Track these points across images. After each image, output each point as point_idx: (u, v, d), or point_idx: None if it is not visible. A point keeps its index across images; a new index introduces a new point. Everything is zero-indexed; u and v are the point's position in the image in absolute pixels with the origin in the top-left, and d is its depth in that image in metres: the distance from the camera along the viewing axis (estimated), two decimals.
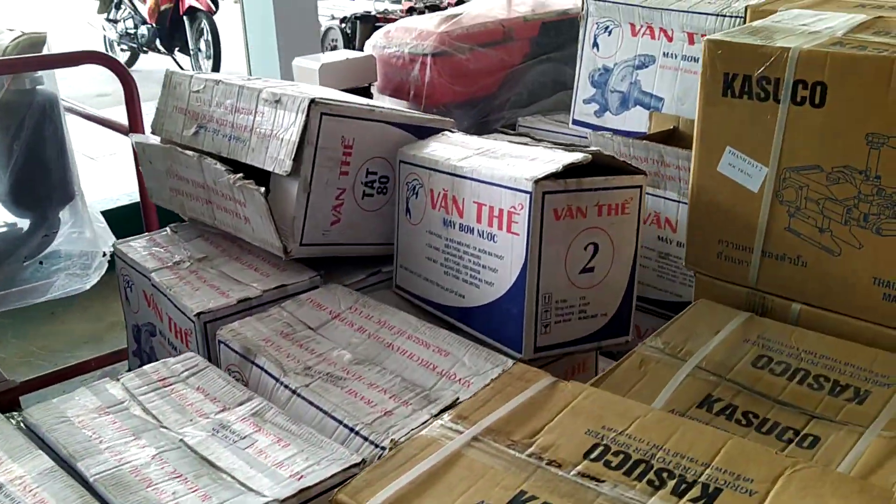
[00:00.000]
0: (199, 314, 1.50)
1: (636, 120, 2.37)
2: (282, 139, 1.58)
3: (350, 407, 1.24)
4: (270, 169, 1.60)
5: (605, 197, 1.37)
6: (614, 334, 1.45)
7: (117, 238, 2.35)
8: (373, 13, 7.06)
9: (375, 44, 2.97)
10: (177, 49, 7.59)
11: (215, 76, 1.79)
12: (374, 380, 1.31)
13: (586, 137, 2.28)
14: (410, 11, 7.49)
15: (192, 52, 7.36)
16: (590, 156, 1.35)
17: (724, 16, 2.06)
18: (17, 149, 1.94)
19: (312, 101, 1.55)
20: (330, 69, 2.77)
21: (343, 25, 6.86)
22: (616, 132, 2.41)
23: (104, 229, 2.35)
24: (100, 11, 8.06)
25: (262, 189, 1.56)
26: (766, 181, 1.24)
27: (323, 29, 7.08)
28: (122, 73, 1.96)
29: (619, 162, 1.41)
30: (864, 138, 1.12)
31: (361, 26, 6.52)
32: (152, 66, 8.20)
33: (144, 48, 7.80)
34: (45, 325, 2.97)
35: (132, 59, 8.14)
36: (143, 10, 7.54)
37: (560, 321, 1.40)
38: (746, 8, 1.63)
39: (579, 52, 2.48)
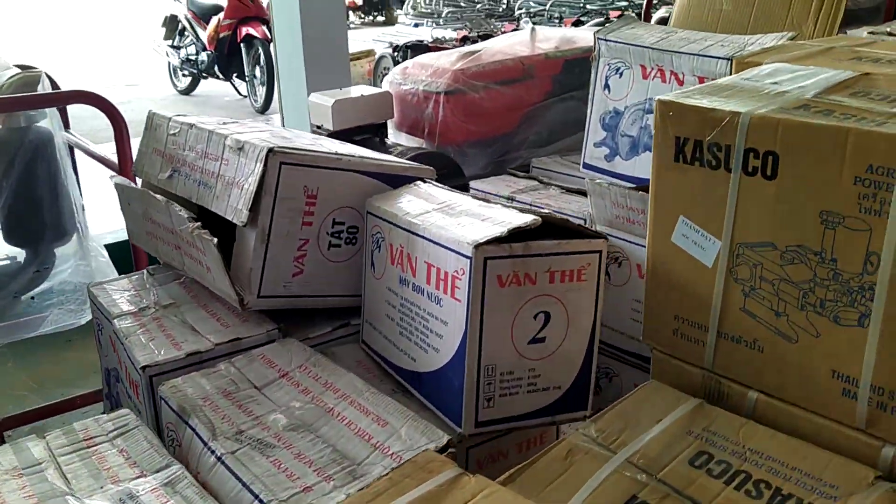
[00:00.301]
0: (144, 367, 1.46)
1: (646, 166, 2.23)
2: (242, 188, 1.54)
3: (270, 480, 1.18)
4: (230, 218, 1.56)
5: (557, 263, 1.28)
6: (570, 409, 1.35)
7: (119, 272, 2.35)
8: (425, 42, 7.07)
9: (392, 80, 2.93)
10: (234, 75, 7.75)
11: (190, 119, 1.76)
12: (305, 449, 1.25)
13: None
14: (464, 40, 7.48)
15: (247, 79, 7.50)
16: (539, 219, 1.26)
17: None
18: (6, 186, 1.95)
19: (271, 150, 1.50)
20: (343, 105, 2.73)
21: (395, 54, 6.88)
22: (626, 178, 2.31)
23: (106, 263, 2.35)
24: (165, 38, 8.31)
25: (216, 240, 1.52)
26: (719, 256, 1.12)
27: (377, 57, 7.13)
28: (111, 112, 1.95)
29: (575, 225, 1.32)
30: (818, 216, 0.99)
31: (412, 55, 6.51)
32: (211, 91, 8.40)
33: (204, 74, 8.00)
34: (61, 352, 2.99)
35: (193, 85, 8.36)
36: (204, 37, 7.73)
37: (506, 394, 1.30)
38: (731, 59, 1.51)
39: (591, 93, 2.39)
